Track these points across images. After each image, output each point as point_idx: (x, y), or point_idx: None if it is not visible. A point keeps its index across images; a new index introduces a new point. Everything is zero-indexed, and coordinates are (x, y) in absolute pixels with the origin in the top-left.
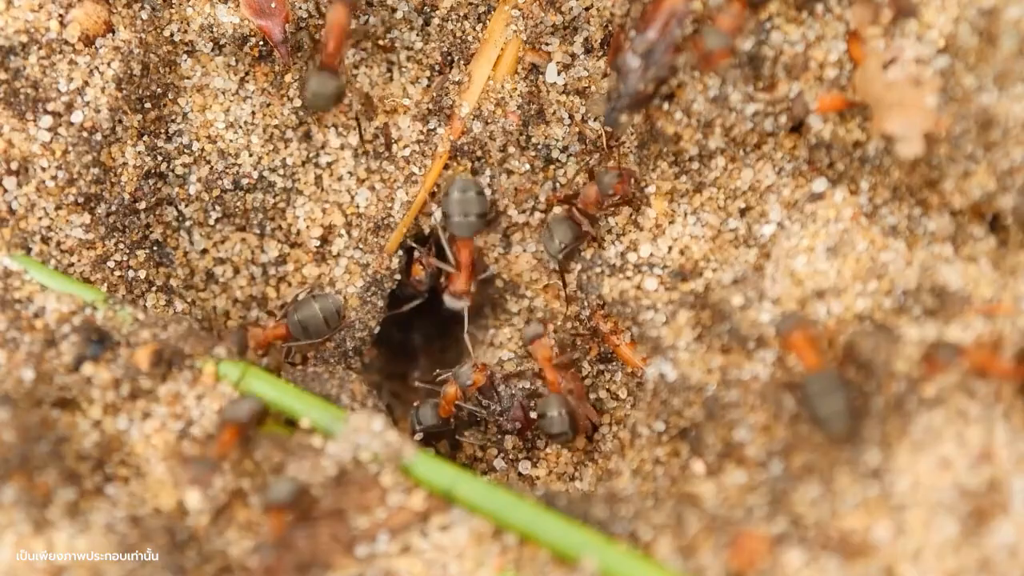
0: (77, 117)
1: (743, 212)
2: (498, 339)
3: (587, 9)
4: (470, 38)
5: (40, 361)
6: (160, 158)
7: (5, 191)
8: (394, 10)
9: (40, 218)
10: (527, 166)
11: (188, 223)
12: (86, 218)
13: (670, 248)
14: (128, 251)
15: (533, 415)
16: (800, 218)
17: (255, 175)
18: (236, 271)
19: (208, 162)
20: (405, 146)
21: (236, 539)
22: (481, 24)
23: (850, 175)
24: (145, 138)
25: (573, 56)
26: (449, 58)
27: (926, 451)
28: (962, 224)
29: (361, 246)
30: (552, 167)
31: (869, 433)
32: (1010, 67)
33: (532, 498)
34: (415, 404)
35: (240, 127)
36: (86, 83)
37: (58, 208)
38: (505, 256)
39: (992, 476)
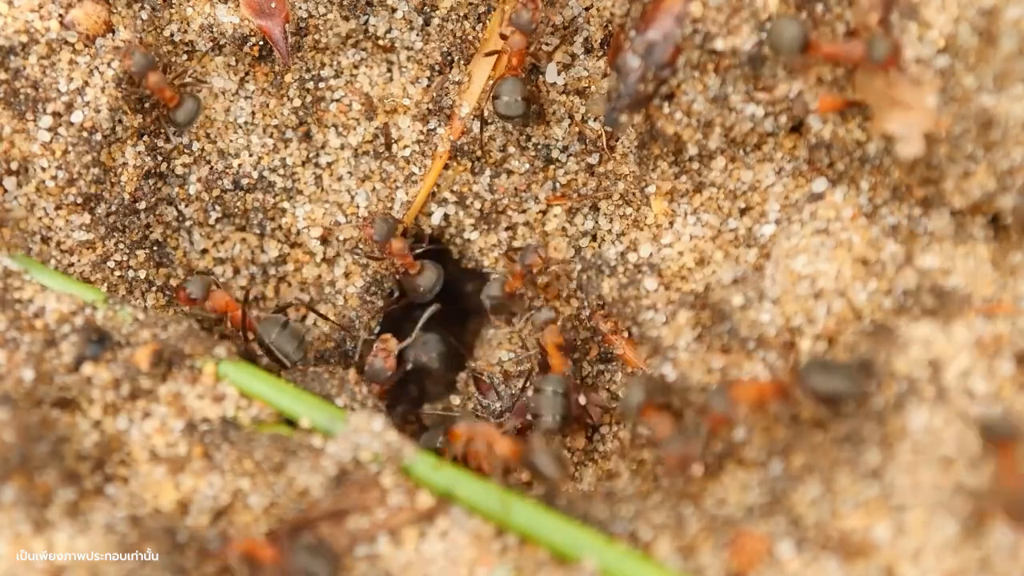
0: (77, 117)
1: (743, 212)
2: (497, 339)
3: (587, 9)
4: (470, 38)
5: (40, 361)
6: (160, 158)
7: (5, 191)
8: (394, 10)
9: (40, 218)
10: (527, 166)
11: (188, 223)
12: (86, 218)
13: (670, 247)
14: (128, 251)
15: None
16: (800, 218)
17: (255, 175)
18: (236, 271)
19: (208, 162)
20: (405, 146)
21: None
22: (481, 24)
23: (850, 175)
24: (145, 138)
25: (573, 56)
26: (449, 58)
27: (926, 451)
28: (962, 224)
29: (361, 246)
30: (552, 167)
31: (869, 433)
32: (1010, 67)
33: (532, 498)
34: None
35: (240, 127)
36: (86, 83)
37: (58, 208)
38: (506, 256)
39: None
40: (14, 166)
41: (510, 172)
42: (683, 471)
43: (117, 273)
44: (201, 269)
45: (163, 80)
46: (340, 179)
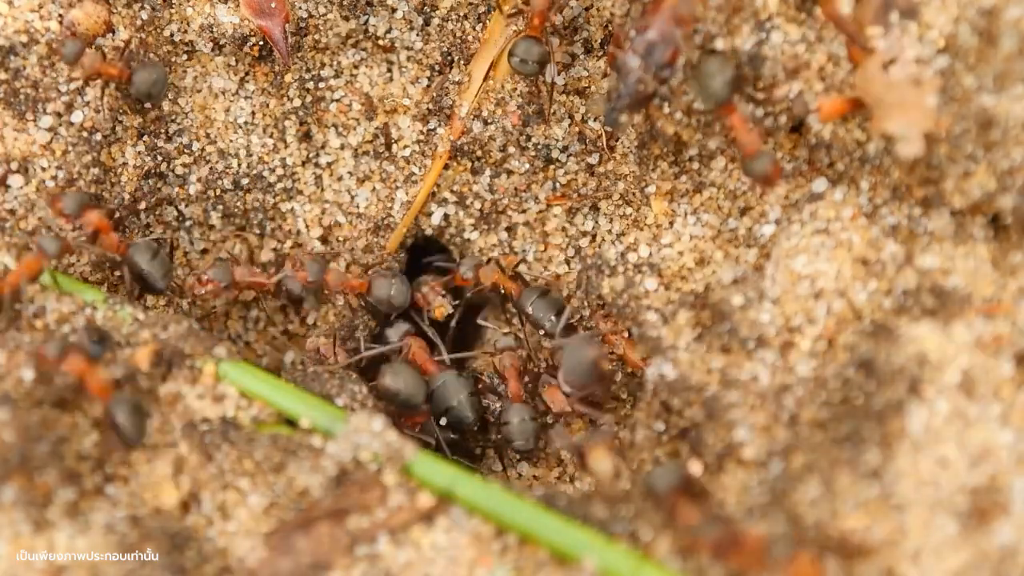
0: (77, 117)
1: (743, 212)
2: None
3: (587, 9)
4: (470, 38)
5: (40, 361)
6: (160, 158)
7: (7, 190)
8: (394, 10)
9: (40, 218)
10: (527, 166)
11: (188, 223)
12: None
13: (670, 247)
14: None
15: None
16: (800, 218)
17: (255, 175)
18: None
19: (208, 162)
20: (405, 146)
21: (237, 539)
22: (481, 24)
23: (850, 175)
24: (145, 138)
25: (573, 56)
26: (449, 58)
27: (926, 451)
28: (962, 224)
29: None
30: (552, 167)
31: (869, 433)
32: (1010, 67)
33: (532, 498)
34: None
35: (240, 127)
36: (86, 83)
37: None
38: (506, 256)
39: (992, 476)
40: (14, 166)
41: (510, 172)
42: (723, 553)
43: (117, 273)
44: (77, 188)
45: (98, 58)
46: (340, 179)
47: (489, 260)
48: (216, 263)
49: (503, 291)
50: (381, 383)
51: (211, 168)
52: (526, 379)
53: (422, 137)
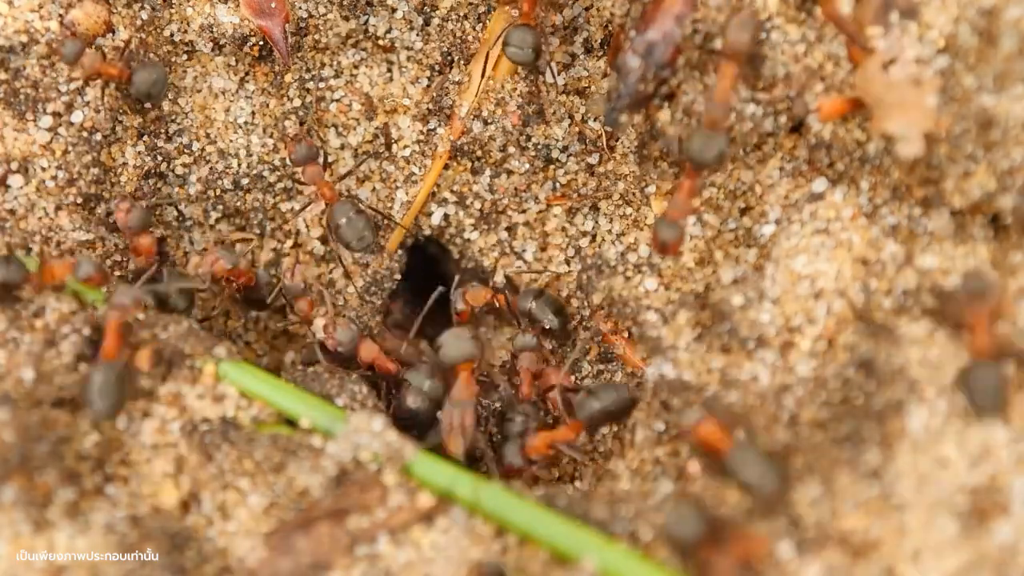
0: (77, 117)
1: (743, 212)
2: (497, 341)
3: (587, 9)
4: (470, 38)
5: (40, 361)
6: (160, 158)
7: (7, 190)
8: (394, 10)
9: (40, 218)
10: (527, 166)
11: (188, 223)
12: (86, 218)
13: None
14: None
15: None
16: (800, 218)
17: (255, 175)
18: None
19: (208, 162)
20: (405, 146)
21: (237, 539)
22: (481, 24)
23: (850, 175)
24: (145, 138)
25: (573, 56)
26: (449, 58)
27: (926, 451)
28: (962, 224)
29: None
30: (552, 167)
31: (869, 433)
32: (1010, 67)
33: (532, 498)
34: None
35: (240, 127)
36: (86, 83)
37: (58, 208)
38: (506, 256)
39: (992, 476)
40: (14, 166)
41: (510, 172)
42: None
43: (117, 273)
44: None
45: (98, 58)
46: (340, 179)
47: (469, 285)
48: (218, 248)
49: (498, 305)
50: (403, 402)
51: (211, 168)
52: (537, 383)
53: (422, 137)
